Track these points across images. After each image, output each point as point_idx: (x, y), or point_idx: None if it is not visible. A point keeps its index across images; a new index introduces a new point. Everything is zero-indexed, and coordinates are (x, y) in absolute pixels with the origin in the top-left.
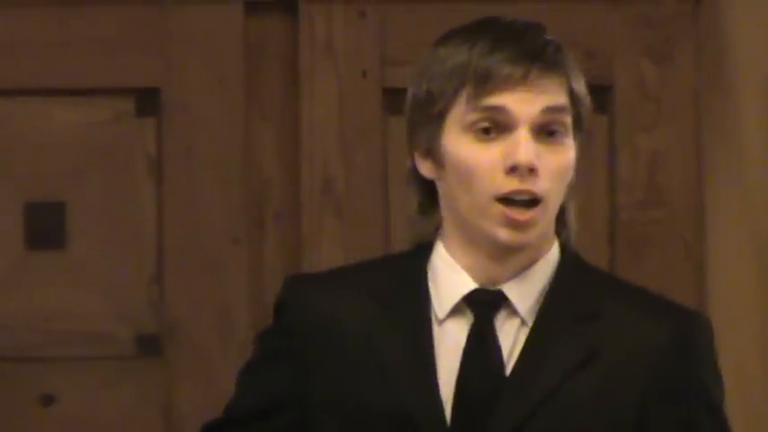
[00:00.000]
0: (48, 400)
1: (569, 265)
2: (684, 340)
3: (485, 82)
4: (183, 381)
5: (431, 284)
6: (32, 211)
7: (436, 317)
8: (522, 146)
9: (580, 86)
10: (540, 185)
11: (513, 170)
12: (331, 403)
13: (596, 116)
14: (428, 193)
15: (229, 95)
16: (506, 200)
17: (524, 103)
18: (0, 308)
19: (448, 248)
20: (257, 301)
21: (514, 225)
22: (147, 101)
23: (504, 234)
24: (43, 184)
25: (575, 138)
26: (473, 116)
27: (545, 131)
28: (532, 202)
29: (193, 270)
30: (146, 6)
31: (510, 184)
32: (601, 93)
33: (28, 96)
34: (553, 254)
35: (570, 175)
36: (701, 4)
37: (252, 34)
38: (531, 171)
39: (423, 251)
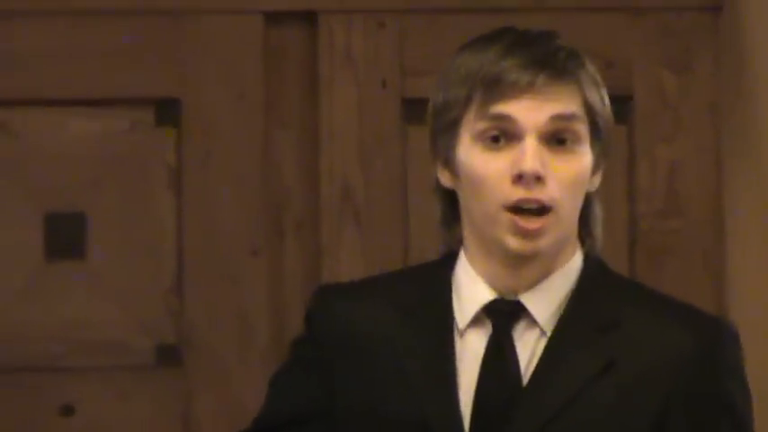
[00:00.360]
0: (67, 410)
1: (591, 273)
2: (710, 348)
3: (492, 89)
4: (202, 391)
5: (454, 295)
6: (52, 222)
7: (458, 327)
8: (528, 155)
9: (595, 94)
10: (549, 194)
11: (519, 179)
12: (354, 413)
13: (615, 126)
14: (450, 203)
15: (249, 105)
16: (514, 209)
17: (531, 110)
18: (20, 318)
19: (469, 258)
20: (276, 310)
21: (524, 233)
22: (167, 111)
23: (513, 242)
24: (63, 194)
25: (592, 146)
26: (482, 125)
27: (555, 139)
28: (541, 210)
29: (213, 280)
30: (165, 16)
31: (517, 193)
32: (620, 103)
33: (47, 107)
34: (575, 262)
35: (583, 182)
36: (720, 15)
37: (271, 44)
38: (538, 179)
39: (448, 261)
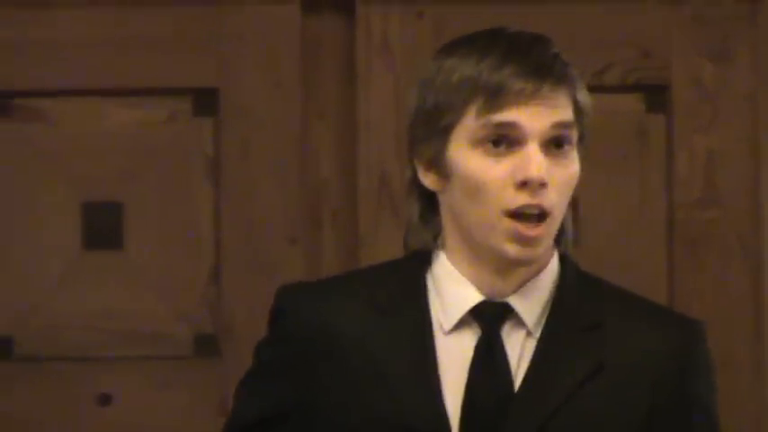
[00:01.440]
0: (105, 400)
1: (569, 274)
2: (686, 352)
3: (495, 97)
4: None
5: (432, 295)
6: (90, 212)
7: (441, 328)
8: (534, 161)
9: (585, 99)
10: (550, 199)
11: (524, 185)
12: (332, 415)
13: (654, 116)
14: (429, 203)
15: (286, 95)
16: (515, 215)
17: (535, 117)
18: (58, 308)
19: (451, 260)
20: None
21: (524, 241)
22: (205, 101)
23: (512, 250)
24: (101, 184)
25: (579, 150)
26: (483, 131)
27: (553, 145)
28: (540, 216)
29: (251, 270)
30: (203, 6)
31: (520, 199)
32: (658, 93)
33: (85, 96)
34: (554, 264)
35: (574, 186)
36: (758, 4)
37: (309, 34)
38: (542, 185)
39: (421, 260)
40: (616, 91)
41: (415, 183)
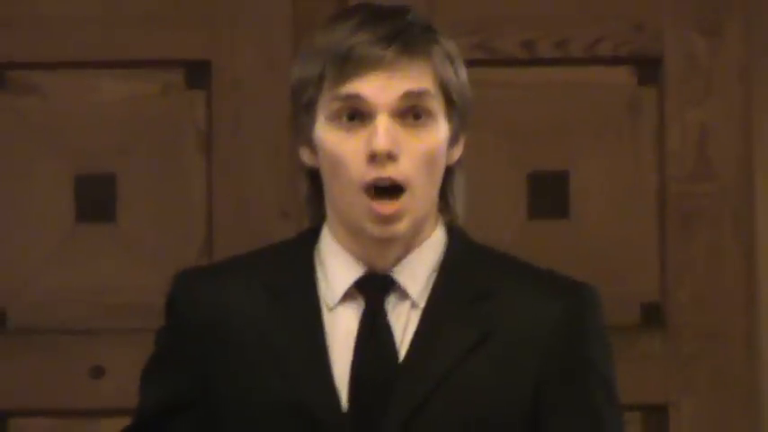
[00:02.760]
0: (98, 373)
1: (457, 246)
2: (576, 314)
3: (342, 67)
4: None
5: (318, 271)
6: (83, 184)
7: (326, 304)
8: (380, 133)
9: (449, 69)
10: (402, 171)
11: (372, 157)
12: (229, 398)
13: (646, 89)
14: (313, 181)
15: (279, 68)
16: (371, 190)
17: (381, 89)
18: (51, 280)
19: (334, 235)
20: None
21: (381, 219)
22: (197, 74)
23: (372, 229)
24: (93, 156)
25: (449, 120)
26: (334, 104)
27: (411, 116)
28: (396, 189)
29: (243, 243)
30: None
31: (372, 173)
32: (650, 66)
33: (78, 69)
34: (438, 236)
35: (438, 157)
36: None
37: (301, 8)
38: (390, 157)
39: (309, 237)
40: (608, 63)
41: (300, 160)
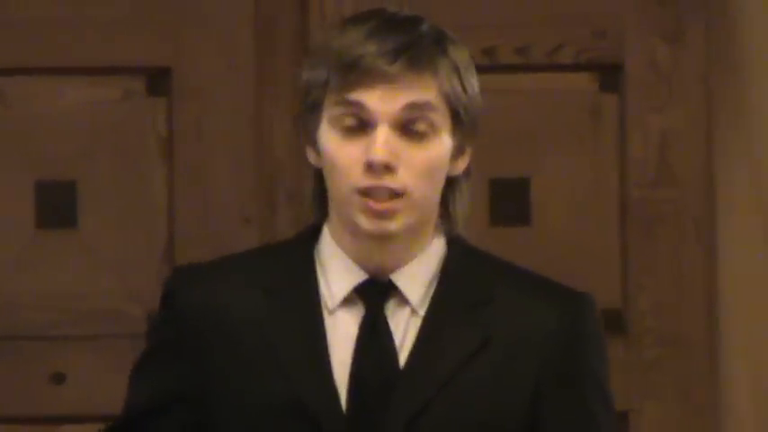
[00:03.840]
0: (59, 379)
1: (456, 254)
2: (573, 324)
3: (347, 75)
4: None
5: (319, 271)
6: (43, 190)
7: (326, 306)
8: (379, 144)
9: (455, 82)
10: (399, 181)
11: (369, 167)
12: (225, 395)
13: (607, 95)
14: (319, 180)
15: (241, 75)
16: (364, 193)
17: (384, 99)
18: (12, 287)
19: (335, 237)
20: None
21: (374, 214)
22: (158, 80)
23: (365, 223)
24: (54, 163)
25: (453, 132)
26: (337, 110)
27: (411, 127)
28: (392, 194)
29: (205, 249)
30: None
31: (367, 180)
32: (611, 72)
33: (39, 75)
34: (437, 245)
35: (438, 169)
36: None
37: (263, 15)
38: (387, 168)
39: (309, 237)
40: (569, 70)
41: (307, 159)
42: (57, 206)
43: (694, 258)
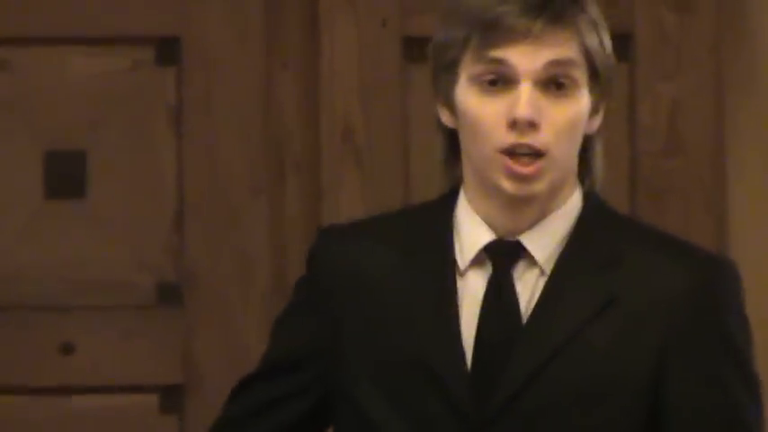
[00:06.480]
0: (68, 349)
1: (591, 212)
2: (707, 286)
3: (489, 33)
4: (202, 329)
5: (455, 234)
6: (52, 160)
7: (458, 268)
8: (522, 101)
9: (594, 39)
10: (542, 140)
11: (513, 124)
12: (356, 353)
13: (617, 64)
14: (451, 142)
15: (249, 45)
16: (508, 152)
17: (527, 56)
18: (21, 257)
19: (468, 199)
20: (277, 250)
21: (518, 177)
22: (167, 50)
23: (508, 186)
24: (63, 132)
25: (591, 89)
26: (478, 68)
27: (553, 85)
28: (534, 154)
29: (213, 219)
30: None
31: (511, 138)
32: (621, 41)
33: (48, 45)
34: (574, 202)
35: (579, 126)
36: None
37: None
38: (532, 126)
39: (448, 200)
40: None
41: (439, 121)
42: (66, 176)
43: (704, 228)
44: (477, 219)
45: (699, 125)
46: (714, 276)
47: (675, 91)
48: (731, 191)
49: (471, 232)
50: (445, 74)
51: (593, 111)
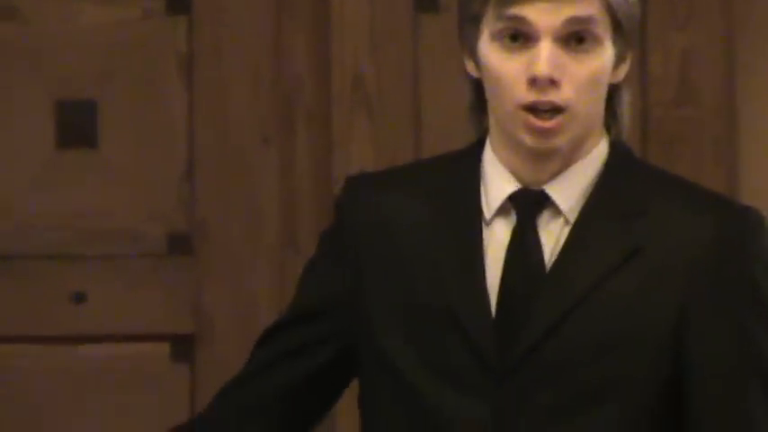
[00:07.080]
0: (79, 298)
1: (617, 161)
2: (736, 235)
3: None
4: (212, 279)
5: (481, 183)
6: (63, 110)
7: (484, 217)
8: (542, 58)
9: None
10: (563, 96)
11: (533, 82)
12: (382, 301)
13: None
14: (478, 92)
15: None
16: (528, 108)
17: (546, 13)
18: (32, 206)
19: (494, 148)
20: (287, 200)
21: (538, 132)
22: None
23: (529, 140)
24: (74, 82)
25: (615, 42)
26: (499, 24)
27: (574, 41)
28: (555, 110)
29: (224, 169)
30: None
31: (531, 95)
32: None
33: None
34: (600, 151)
35: (602, 80)
36: None
37: None
38: (552, 83)
39: (475, 150)
40: None
41: (465, 70)
42: (77, 126)
43: (715, 179)
44: (503, 169)
45: (710, 75)
46: (740, 226)
47: (687, 40)
48: (742, 141)
49: (497, 182)
50: (469, 27)
51: (618, 60)
